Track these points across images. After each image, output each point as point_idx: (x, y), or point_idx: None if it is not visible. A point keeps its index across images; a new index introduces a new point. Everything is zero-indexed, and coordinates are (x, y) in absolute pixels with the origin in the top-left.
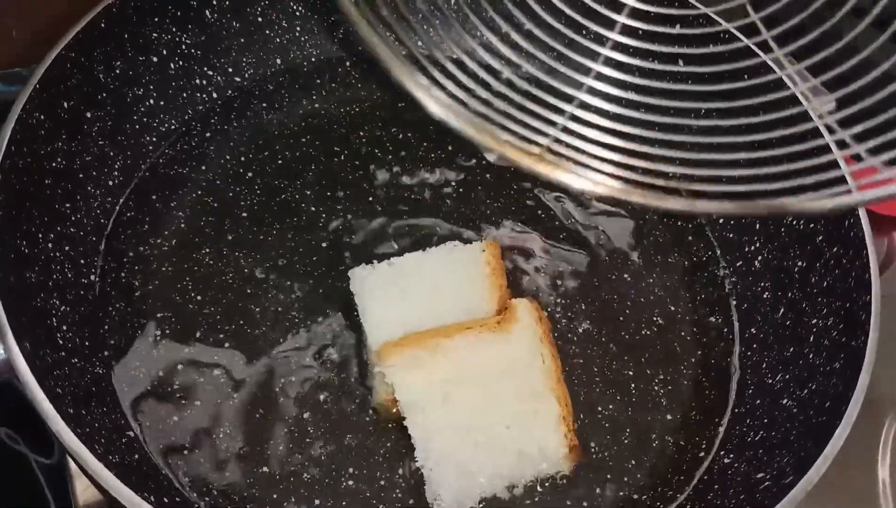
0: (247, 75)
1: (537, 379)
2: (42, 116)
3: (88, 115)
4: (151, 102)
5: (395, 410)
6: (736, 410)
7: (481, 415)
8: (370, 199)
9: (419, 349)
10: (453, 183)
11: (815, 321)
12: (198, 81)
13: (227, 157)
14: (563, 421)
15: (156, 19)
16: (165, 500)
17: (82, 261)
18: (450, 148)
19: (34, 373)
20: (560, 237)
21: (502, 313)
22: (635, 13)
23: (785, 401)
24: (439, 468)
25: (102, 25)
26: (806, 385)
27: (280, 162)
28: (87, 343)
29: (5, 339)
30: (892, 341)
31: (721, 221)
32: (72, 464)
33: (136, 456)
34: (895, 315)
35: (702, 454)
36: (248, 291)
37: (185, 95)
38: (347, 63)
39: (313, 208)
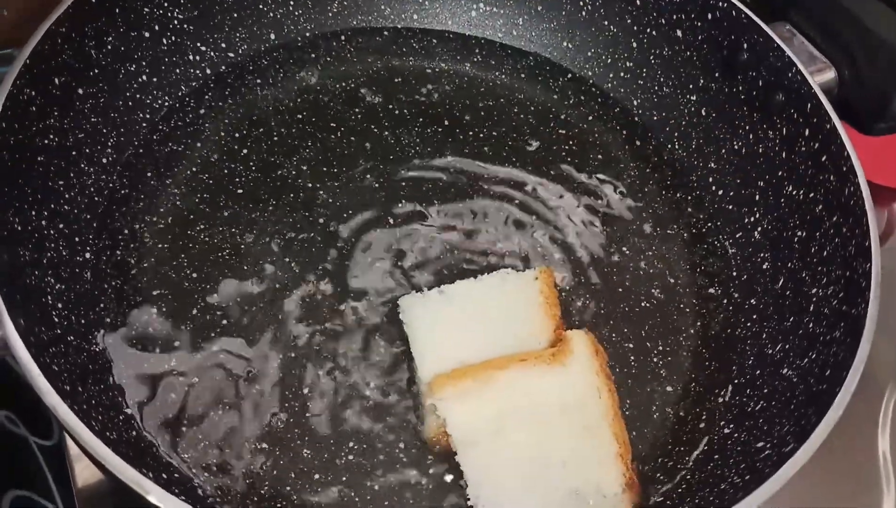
0: (240, 51)
1: (593, 414)
2: (33, 93)
3: (80, 91)
4: (144, 78)
5: (445, 443)
6: (736, 381)
7: (535, 451)
8: (367, 176)
9: (472, 382)
10: (449, 157)
11: (815, 290)
12: (191, 57)
13: (222, 133)
14: (620, 458)
15: None
16: (164, 476)
17: (76, 239)
18: (446, 123)
19: (29, 350)
20: None
21: (557, 345)
22: None
23: (785, 371)
24: (491, 506)
25: (93, 0)
26: (806, 355)
27: (275, 138)
28: (82, 321)
29: (0, 317)
30: (891, 313)
31: (720, 192)
32: (71, 445)
33: (134, 433)
34: (894, 287)
35: (702, 425)
36: (245, 268)
37: (177, 70)
38: (342, 37)
39: (310, 184)
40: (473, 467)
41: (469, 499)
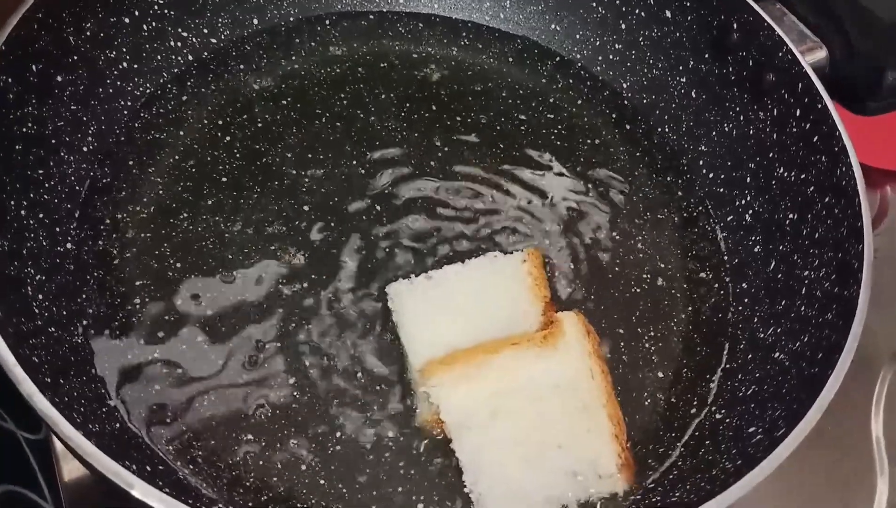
0: (223, 36)
1: (587, 396)
2: (10, 80)
3: (59, 78)
4: (125, 64)
5: (439, 429)
6: (727, 365)
7: (530, 434)
8: (353, 162)
9: (464, 367)
10: (437, 143)
11: (806, 272)
12: (172, 43)
13: (205, 120)
14: (615, 439)
15: None
16: (148, 468)
17: (57, 229)
18: (433, 108)
19: (7, 341)
20: None
21: (548, 328)
22: None
23: (777, 355)
24: (489, 491)
25: None
26: (798, 338)
27: (259, 125)
28: (64, 313)
29: None
30: (884, 296)
31: (711, 175)
32: (55, 440)
33: (118, 425)
34: (887, 270)
35: (693, 410)
36: (229, 257)
37: (159, 57)
38: (327, 22)
39: (294, 172)
40: (469, 452)
41: (465, 485)
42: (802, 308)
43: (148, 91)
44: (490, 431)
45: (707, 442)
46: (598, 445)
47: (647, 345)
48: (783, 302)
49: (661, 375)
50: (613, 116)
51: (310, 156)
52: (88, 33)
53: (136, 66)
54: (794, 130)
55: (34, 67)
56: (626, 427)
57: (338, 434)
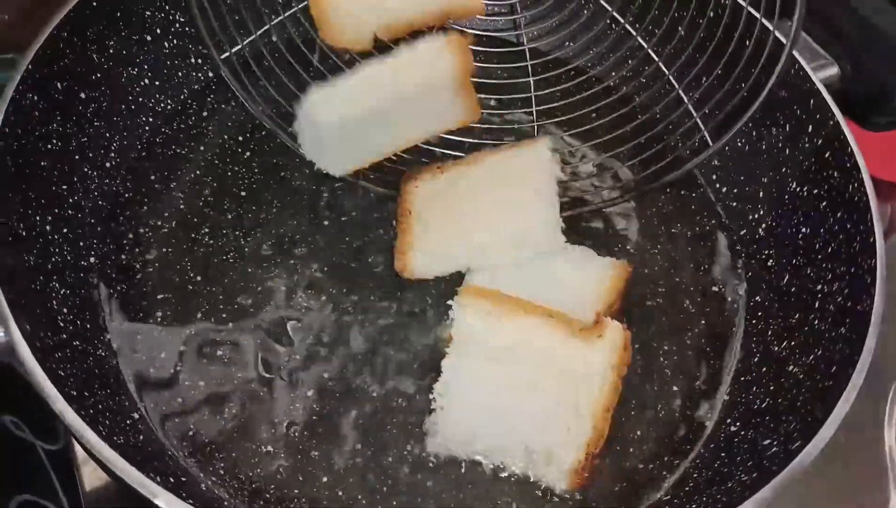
0: (243, 53)
1: (585, 399)
2: (35, 97)
3: (83, 95)
4: (146, 81)
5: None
6: (742, 378)
7: (514, 394)
8: (371, 175)
9: (496, 306)
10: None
11: (819, 286)
12: (192, 60)
13: (225, 136)
14: (586, 448)
15: None
16: (171, 480)
17: (81, 243)
18: None
19: (35, 355)
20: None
21: (595, 326)
22: None
23: (791, 368)
24: (450, 409)
25: (94, 4)
26: (812, 351)
27: (277, 140)
28: (88, 326)
29: (6, 321)
30: (894, 308)
31: (724, 189)
32: (78, 450)
33: (142, 437)
34: None
35: (707, 422)
36: (249, 270)
37: (180, 74)
38: None
39: (314, 187)
40: (454, 370)
41: (434, 391)
42: (816, 322)
43: (169, 107)
44: (483, 368)
45: (722, 454)
46: (566, 440)
47: (661, 358)
48: (797, 316)
49: (675, 388)
50: (628, 130)
51: (326, 174)
52: (111, 51)
53: (157, 82)
54: (807, 145)
55: (59, 85)
56: (602, 445)
57: (358, 447)
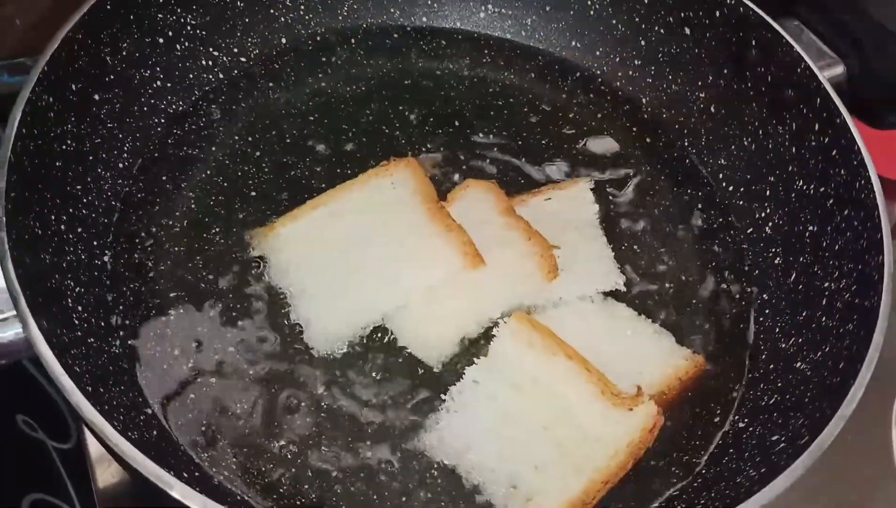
0: (252, 55)
1: (591, 463)
2: (51, 99)
3: (96, 97)
4: (158, 83)
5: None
6: (750, 375)
7: (523, 431)
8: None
9: (541, 341)
10: (461, 157)
11: (827, 284)
12: (204, 62)
13: (235, 137)
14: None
15: (160, 0)
16: (185, 475)
17: (95, 242)
18: (456, 124)
19: (53, 350)
20: None
21: (632, 399)
22: None
23: (799, 365)
24: (457, 414)
25: (108, 7)
26: (819, 348)
27: (288, 141)
28: (102, 324)
29: (24, 318)
30: None
31: (731, 188)
32: (90, 447)
33: (155, 433)
34: None
35: (717, 419)
36: (261, 269)
37: (191, 75)
38: (353, 40)
39: (323, 186)
40: (474, 383)
41: (445, 399)
42: (823, 319)
43: (181, 108)
44: (503, 391)
45: (731, 451)
46: (552, 492)
47: None
48: (804, 313)
49: None
50: (634, 130)
51: (338, 170)
52: (124, 53)
53: (169, 84)
54: (813, 143)
55: (73, 87)
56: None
57: (367, 443)
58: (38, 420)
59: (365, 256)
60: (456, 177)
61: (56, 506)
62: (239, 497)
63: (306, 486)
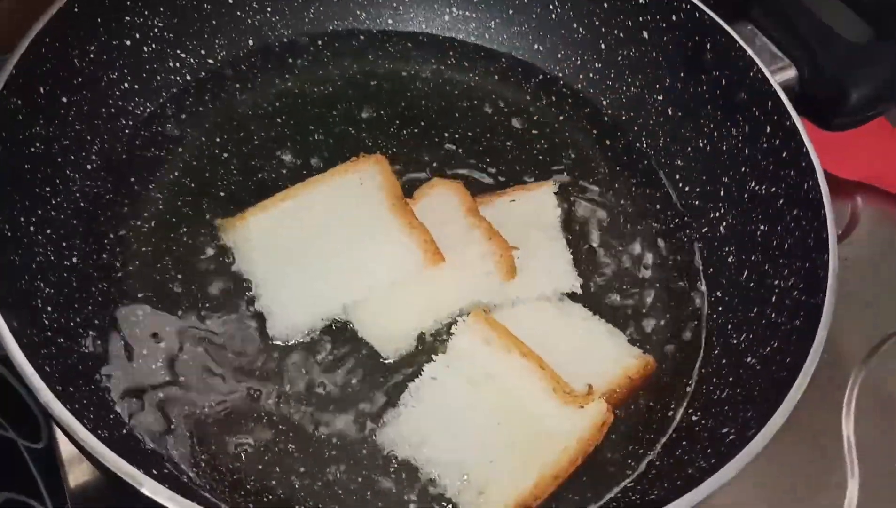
0: (219, 57)
1: (540, 458)
2: (19, 102)
3: (64, 99)
4: (126, 85)
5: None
6: (703, 370)
7: (477, 425)
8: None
9: (497, 339)
10: (426, 157)
11: (777, 281)
12: (171, 64)
13: (203, 138)
14: (517, 500)
15: (127, 3)
16: (154, 472)
17: (63, 244)
18: (422, 124)
19: (23, 350)
20: None
21: (583, 397)
22: None
23: (749, 359)
24: (414, 410)
25: (75, 10)
26: (769, 343)
27: (255, 142)
28: (71, 324)
29: None
30: (856, 300)
31: (687, 188)
32: (61, 446)
33: (124, 431)
34: (859, 276)
35: (671, 412)
36: (231, 269)
37: (158, 77)
38: (319, 42)
39: (290, 186)
40: (431, 379)
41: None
42: (773, 315)
43: (148, 110)
44: (460, 386)
45: (684, 443)
46: (503, 484)
47: None
48: (755, 310)
49: None
50: (594, 131)
51: (304, 172)
52: (92, 56)
53: (136, 86)
54: (765, 145)
55: (41, 89)
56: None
57: (335, 441)
58: (8, 420)
59: (329, 249)
60: (421, 176)
61: (28, 505)
62: (207, 495)
63: (273, 482)
